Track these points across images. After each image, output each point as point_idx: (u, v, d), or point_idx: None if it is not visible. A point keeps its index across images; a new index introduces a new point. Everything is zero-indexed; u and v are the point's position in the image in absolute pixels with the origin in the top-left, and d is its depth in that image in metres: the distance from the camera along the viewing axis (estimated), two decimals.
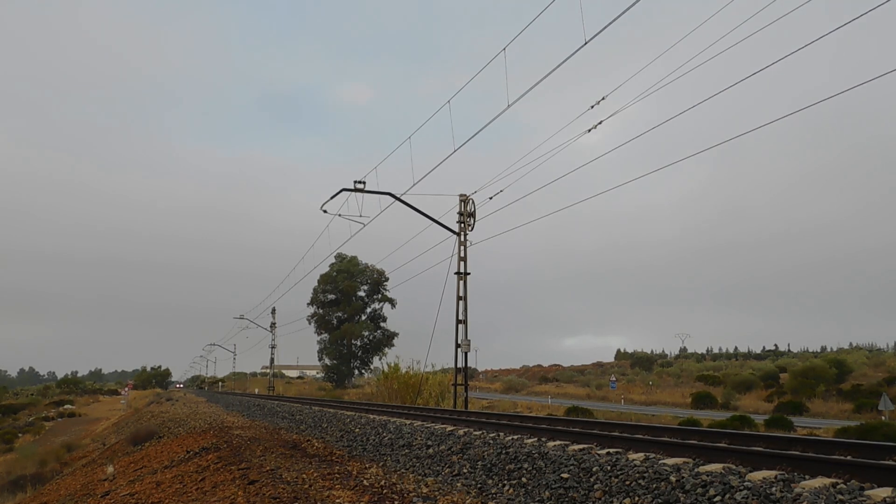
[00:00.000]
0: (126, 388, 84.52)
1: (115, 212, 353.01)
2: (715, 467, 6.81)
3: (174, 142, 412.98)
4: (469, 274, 24.65)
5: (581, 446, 9.08)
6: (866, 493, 5.40)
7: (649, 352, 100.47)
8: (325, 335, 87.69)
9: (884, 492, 5.33)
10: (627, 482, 6.80)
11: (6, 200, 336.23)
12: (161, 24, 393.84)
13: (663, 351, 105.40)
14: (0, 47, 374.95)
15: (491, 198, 23.13)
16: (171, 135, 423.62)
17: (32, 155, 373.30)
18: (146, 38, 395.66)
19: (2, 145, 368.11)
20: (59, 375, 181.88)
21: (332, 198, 25.10)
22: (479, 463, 9.16)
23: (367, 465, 10.68)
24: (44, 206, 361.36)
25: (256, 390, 77.10)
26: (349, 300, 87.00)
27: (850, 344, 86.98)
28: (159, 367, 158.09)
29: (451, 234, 24.94)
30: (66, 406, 76.51)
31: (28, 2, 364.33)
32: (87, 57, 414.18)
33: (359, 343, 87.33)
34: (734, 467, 6.83)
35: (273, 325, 65.66)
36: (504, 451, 9.19)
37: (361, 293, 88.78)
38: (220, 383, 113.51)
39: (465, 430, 12.20)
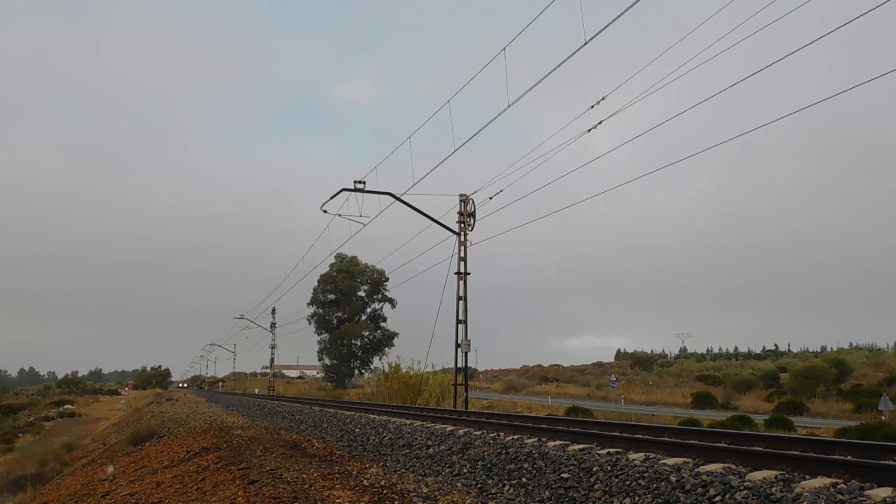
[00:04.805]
0: (126, 388, 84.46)
1: (116, 213, 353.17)
2: (715, 467, 6.80)
3: (177, 143, 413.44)
4: (469, 274, 24.66)
5: (581, 446, 9.07)
6: (866, 492, 5.40)
7: (649, 352, 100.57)
8: (325, 335, 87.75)
9: (884, 492, 5.33)
10: (627, 482, 6.80)
11: (6, 201, 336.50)
12: (162, 24, 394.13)
13: (663, 351, 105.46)
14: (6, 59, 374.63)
15: (491, 198, 23.14)
16: (174, 136, 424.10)
17: (30, 156, 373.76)
18: (148, 40, 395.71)
19: (2, 147, 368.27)
20: (59, 375, 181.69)
21: (332, 198, 25.09)
22: (480, 463, 9.16)
23: (367, 465, 10.68)
24: (44, 206, 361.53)
25: (256, 390, 77.04)
26: (349, 300, 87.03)
27: (850, 344, 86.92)
28: (159, 367, 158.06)
29: (451, 234, 24.93)
30: (66, 406, 76.54)
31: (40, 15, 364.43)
32: (91, 62, 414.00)
33: (359, 343, 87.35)
34: (734, 467, 6.83)
35: (273, 325, 65.66)
36: (504, 451, 9.18)
37: (361, 293, 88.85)
38: (220, 383, 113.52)
39: (466, 430, 12.19)
